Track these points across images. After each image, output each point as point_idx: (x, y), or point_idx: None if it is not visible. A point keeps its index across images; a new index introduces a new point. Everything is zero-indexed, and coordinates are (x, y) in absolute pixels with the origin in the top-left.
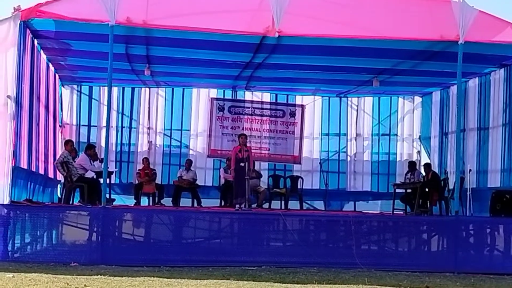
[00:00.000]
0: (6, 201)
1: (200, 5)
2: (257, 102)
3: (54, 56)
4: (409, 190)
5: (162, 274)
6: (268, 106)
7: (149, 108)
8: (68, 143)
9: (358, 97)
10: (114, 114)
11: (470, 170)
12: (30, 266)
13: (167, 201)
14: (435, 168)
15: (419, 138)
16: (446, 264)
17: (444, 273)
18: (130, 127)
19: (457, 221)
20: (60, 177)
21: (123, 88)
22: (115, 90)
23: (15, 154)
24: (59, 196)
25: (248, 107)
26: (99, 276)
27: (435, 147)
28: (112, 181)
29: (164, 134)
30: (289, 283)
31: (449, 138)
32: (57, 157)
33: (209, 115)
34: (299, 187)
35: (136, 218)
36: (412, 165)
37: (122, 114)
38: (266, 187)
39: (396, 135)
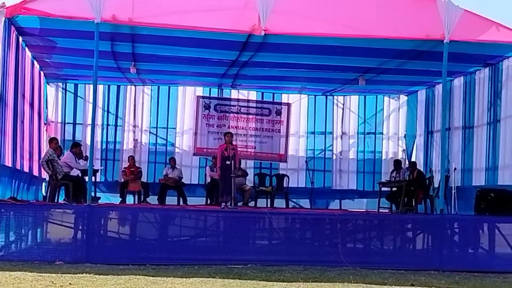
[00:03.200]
0: None
1: (186, 3)
2: (243, 100)
3: (39, 53)
4: (394, 189)
5: (147, 272)
6: (254, 104)
7: (134, 106)
8: (52, 141)
9: (344, 95)
10: (99, 112)
11: (455, 168)
12: (15, 265)
13: (152, 199)
14: (420, 166)
15: (405, 136)
16: (431, 262)
17: (429, 271)
18: (116, 125)
19: (442, 219)
20: (45, 175)
21: (109, 86)
22: (100, 87)
23: (0, 152)
24: (44, 194)
25: (234, 105)
26: (84, 274)
27: (421, 146)
28: (98, 179)
29: (150, 132)
30: (275, 281)
31: (434, 137)
32: (42, 155)
33: (195, 113)
34: (285, 185)
35: (121, 216)
36: (397, 163)
37: (108, 112)
38: (252, 185)
39: (382, 133)
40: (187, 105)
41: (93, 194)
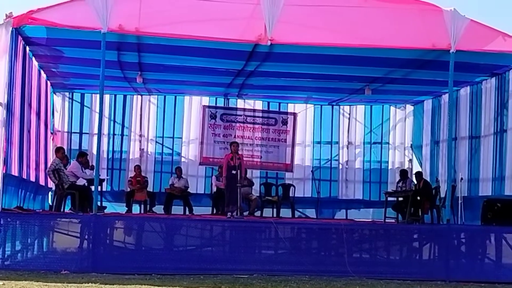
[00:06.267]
0: None
1: (192, 13)
2: (249, 110)
3: (46, 63)
4: (400, 199)
5: (153, 282)
6: (260, 114)
7: (141, 115)
8: (59, 150)
9: (350, 105)
10: (106, 121)
11: (462, 178)
12: (21, 274)
13: (158, 209)
14: (427, 176)
15: (411, 146)
16: (438, 272)
17: (436, 282)
18: (122, 135)
19: (449, 229)
20: (51, 184)
21: (115, 96)
22: (107, 97)
23: (6, 161)
24: (50, 203)
25: (240, 115)
26: (90, 284)
27: (427, 156)
28: (104, 189)
29: (156, 142)
30: None
31: (441, 147)
32: (48, 164)
33: (201, 123)
34: (291, 195)
35: (127, 226)
36: (403, 173)
37: (114, 121)
38: (258, 195)
39: (388, 143)
40: (193, 114)
41: (99, 203)
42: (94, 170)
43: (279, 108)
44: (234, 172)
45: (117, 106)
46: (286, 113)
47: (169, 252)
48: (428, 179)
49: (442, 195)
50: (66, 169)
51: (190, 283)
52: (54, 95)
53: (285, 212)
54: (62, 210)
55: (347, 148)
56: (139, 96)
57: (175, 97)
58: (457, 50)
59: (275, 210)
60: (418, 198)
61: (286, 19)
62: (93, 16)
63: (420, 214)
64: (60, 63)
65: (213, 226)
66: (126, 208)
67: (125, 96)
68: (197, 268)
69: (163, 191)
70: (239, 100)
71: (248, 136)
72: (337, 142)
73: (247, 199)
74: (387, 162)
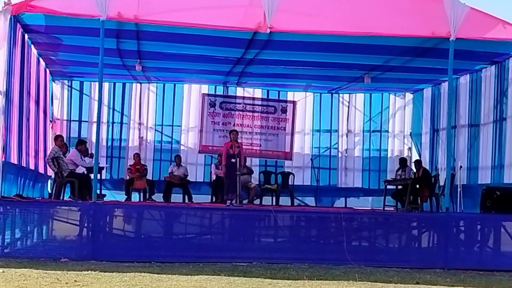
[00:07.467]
0: None
1: (191, 0)
2: (249, 98)
3: (44, 50)
4: (400, 187)
5: (152, 269)
6: (259, 102)
7: (140, 103)
8: (58, 138)
9: (349, 93)
10: (105, 109)
11: (461, 166)
12: (20, 262)
13: (158, 197)
14: (426, 164)
15: (410, 134)
16: (436, 260)
17: (434, 269)
18: (121, 123)
19: (448, 217)
20: (50, 172)
21: (114, 84)
22: (106, 85)
23: (5, 149)
24: (50, 191)
25: (240, 103)
26: (89, 271)
27: (426, 144)
28: (103, 177)
29: (155, 130)
30: (280, 279)
31: (440, 135)
32: (48, 152)
33: (201, 111)
34: (290, 183)
35: (126, 214)
36: (403, 161)
37: (113, 109)
38: (257, 183)
39: (387, 131)
40: (193, 102)
41: (98, 191)
42: (93, 158)
43: (279, 96)
44: (233, 160)
45: (116, 94)
46: (286, 101)
47: (168, 240)
48: (428, 167)
49: (441, 183)
50: (65, 157)
51: (190, 271)
52: (53, 83)
53: (285, 200)
54: (61, 198)
55: (347, 136)
56: (138, 84)
57: (174, 85)
58: (457, 38)
59: (274, 198)
60: (417, 186)
61: (286, 7)
62: (92, 4)
63: (419, 202)
64: (59, 50)
65: (213, 214)
66: (126, 196)
67: (124, 84)
68: (197, 256)
69: (163, 179)
70: (238, 88)
71: (248, 124)
72: (337, 130)
73: (246, 187)
74: (387, 150)
